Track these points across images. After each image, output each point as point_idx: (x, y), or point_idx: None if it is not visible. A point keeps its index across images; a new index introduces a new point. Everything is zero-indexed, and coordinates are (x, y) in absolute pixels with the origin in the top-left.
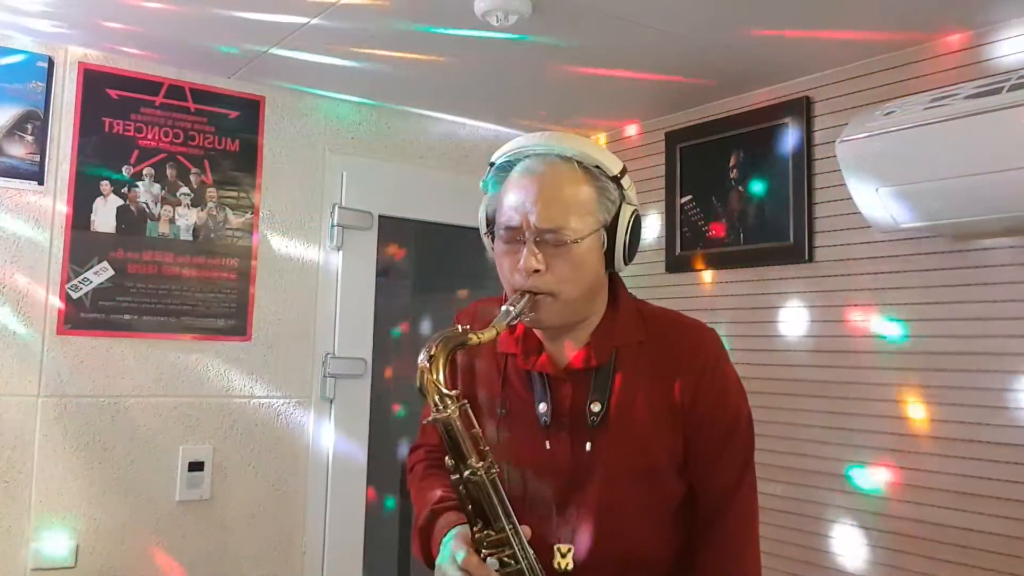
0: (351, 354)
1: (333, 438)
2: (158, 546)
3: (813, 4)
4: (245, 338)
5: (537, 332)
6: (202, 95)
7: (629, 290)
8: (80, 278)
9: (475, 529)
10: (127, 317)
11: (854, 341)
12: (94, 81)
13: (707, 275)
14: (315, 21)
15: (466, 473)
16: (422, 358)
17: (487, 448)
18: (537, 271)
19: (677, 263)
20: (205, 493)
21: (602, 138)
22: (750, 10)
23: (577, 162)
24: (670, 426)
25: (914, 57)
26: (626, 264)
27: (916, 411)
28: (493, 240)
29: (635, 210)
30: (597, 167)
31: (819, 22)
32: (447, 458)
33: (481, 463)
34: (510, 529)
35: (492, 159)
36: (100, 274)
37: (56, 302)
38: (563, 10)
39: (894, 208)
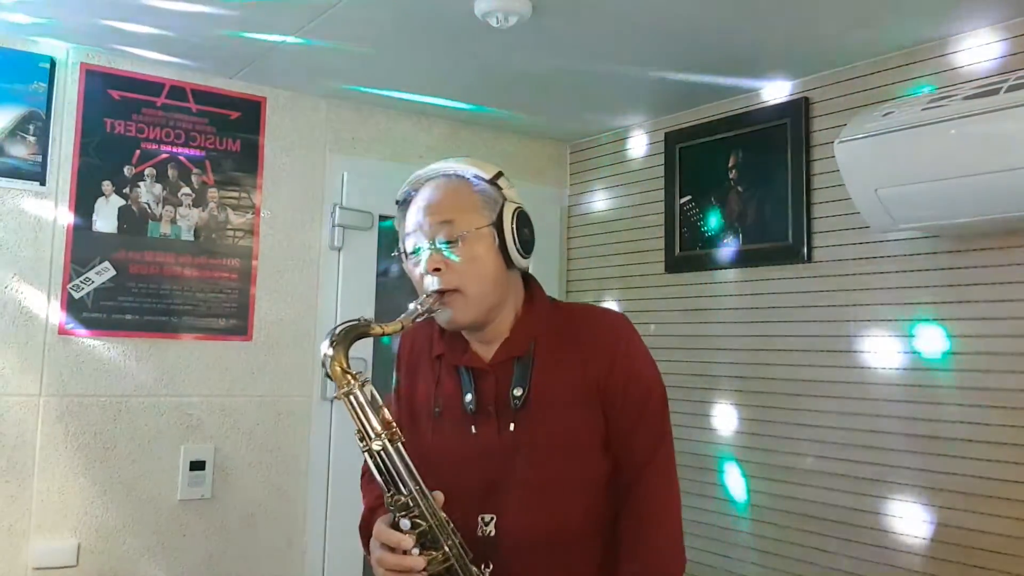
0: (351, 354)
1: (334, 438)
2: (159, 545)
3: (813, 4)
4: (246, 338)
5: (464, 332)
6: (203, 96)
7: (621, 290)
8: (82, 278)
9: (388, 494)
10: (128, 317)
11: (853, 341)
12: (96, 82)
13: (706, 275)
14: (316, 22)
15: (373, 442)
16: (325, 345)
17: (392, 420)
18: (438, 269)
19: (677, 263)
20: (206, 492)
21: (602, 138)
22: (750, 10)
23: (458, 176)
24: (588, 403)
25: (913, 57)
26: (524, 257)
27: (916, 411)
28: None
29: (517, 207)
30: (476, 175)
31: (819, 22)
32: (356, 431)
33: (385, 432)
34: (417, 491)
35: (396, 198)
36: (102, 274)
37: (58, 302)
38: (563, 11)
39: (893, 208)
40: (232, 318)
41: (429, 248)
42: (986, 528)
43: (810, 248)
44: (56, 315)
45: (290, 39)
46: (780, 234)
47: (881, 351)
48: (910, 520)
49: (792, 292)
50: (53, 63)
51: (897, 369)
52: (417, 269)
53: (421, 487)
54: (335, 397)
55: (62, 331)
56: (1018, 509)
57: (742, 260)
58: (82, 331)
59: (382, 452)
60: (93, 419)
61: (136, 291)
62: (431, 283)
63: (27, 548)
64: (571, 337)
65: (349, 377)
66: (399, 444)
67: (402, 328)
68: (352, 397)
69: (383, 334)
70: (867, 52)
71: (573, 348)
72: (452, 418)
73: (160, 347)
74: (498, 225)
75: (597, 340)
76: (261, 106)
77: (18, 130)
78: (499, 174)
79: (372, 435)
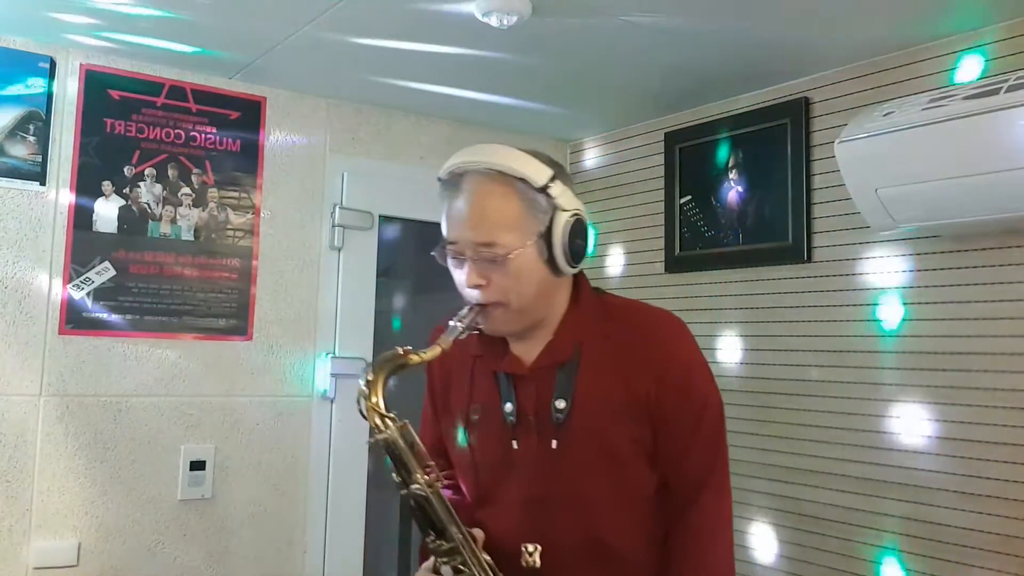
0: (351, 354)
1: (334, 438)
2: (160, 545)
3: (813, 4)
4: (246, 338)
5: None
6: (203, 96)
7: (621, 290)
8: (82, 278)
9: (428, 540)
10: (129, 317)
11: (853, 341)
12: (96, 82)
13: (706, 275)
14: (316, 22)
15: (412, 488)
16: (361, 383)
17: (431, 463)
18: (480, 285)
19: (676, 263)
20: (207, 492)
21: (602, 138)
22: (749, 10)
23: (504, 176)
24: (637, 417)
25: (913, 57)
26: (574, 267)
27: (916, 411)
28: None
29: (572, 215)
30: (525, 180)
31: (818, 22)
32: (393, 474)
33: (425, 478)
34: (459, 538)
35: (439, 175)
36: (102, 274)
37: (58, 302)
38: (563, 11)
39: (893, 208)
40: (232, 318)
41: (470, 260)
42: (984, 527)
43: (810, 248)
44: (56, 315)
45: (290, 39)
46: (780, 234)
47: (880, 351)
48: (910, 520)
49: (792, 292)
50: (53, 63)
51: (897, 369)
52: (458, 273)
53: (463, 533)
54: (371, 441)
55: (62, 331)
56: (1016, 508)
57: (742, 260)
58: (82, 331)
59: (423, 499)
60: (93, 419)
61: (136, 291)
62: (472, 296)
63: (27, 548)
64: (620, 342)
65: (388, 421)
66: (439, 490)
67: (442, 351)
68: (390, 442)
69: (422, 362)
70: (867, 52)
71: (620, 355)
72: (491, 428)
73: (160, 347)
74: (547, 237)
75: (647, 347)
76: (261, 106)
77: (18, 130)
78: (553, 177)
79: (412, 481)
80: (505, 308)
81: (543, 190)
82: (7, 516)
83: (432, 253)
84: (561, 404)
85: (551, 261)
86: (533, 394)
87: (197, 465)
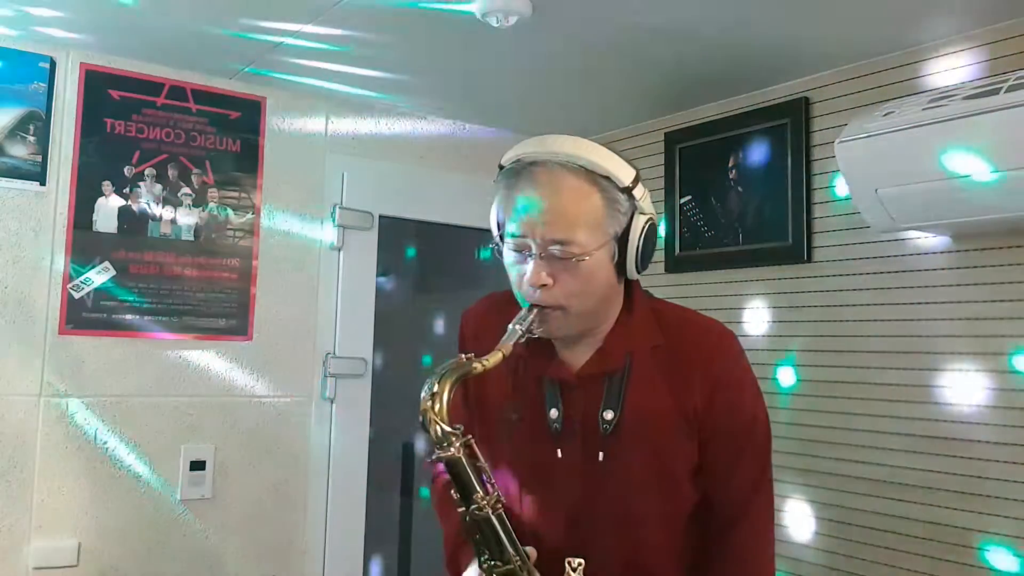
0: (351, 354)
1: (333, 438)
2: (159, 545)
3: (813, 4)
4: (246, 338)
5: None
6: (203, 96)
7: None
8: (82, 278)
9: (483, 560)
10: (129, 317)
11: (853, 341)
12: (96, 82)
13: (706, 275)
14: (316, 22)
15: (472, 507)
16: (425, 393)
17: (492, 482)
18: (544, 285)
19: (677, 263)
20: (207, 492)
21: (602, 138)
22: (749, 10)
23: (587, 173)
24: (685, 432)
25: (913, 57)
26: (639, 272)
27: (916, 411)
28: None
29: (649, 219)
30: (608, 179)
31: (818, 22)
32: (452, 491)
33: (486, 498)
34: (517, 561)
35: (502, 161)
36: (102, 274)
37: (58, 302)
38: (563, 11)
39: (893, 208)
40: (232, 318)
41: (537, 256)
42: (986, 527)
43: (810, 248)
44: (56, 315)
45: (290, 39)
46: (780, 234)
47: (881, 351)
48: (910, 520)
49: (792, 292)
50: (53, 63)
51: (896, 368)
52: (517, 268)
53: (521, 555)
54: (433, 460)
55: (62, 331)
56: (1019, 508)
57: (742, 260)
58: (82, 331)
59: (484, 519)
60: (93, 419)
61: (136, 291)
62: (532, 294)
63: (27, 548)
64: (671, 353)
65: (452, 438)
66: (501, 511)
67: (503, 357)
68: (454, 461)
69: (485, 370)
70: (867, 52)
71: (672, 366)
72: (532, 432)
73: (160, 347)
74: (622, 240)
75: (698, 361)
76: (261, 106)
77: (18, 130)
78: (637, 178)
79: (472, 501)
80: (565, 312)
81: (627, 191)
82: (7, 516)
83: (490, 245)
84: (609, 415)
85: (620, 265)
86: (580, 403)
87: (197, 465)
